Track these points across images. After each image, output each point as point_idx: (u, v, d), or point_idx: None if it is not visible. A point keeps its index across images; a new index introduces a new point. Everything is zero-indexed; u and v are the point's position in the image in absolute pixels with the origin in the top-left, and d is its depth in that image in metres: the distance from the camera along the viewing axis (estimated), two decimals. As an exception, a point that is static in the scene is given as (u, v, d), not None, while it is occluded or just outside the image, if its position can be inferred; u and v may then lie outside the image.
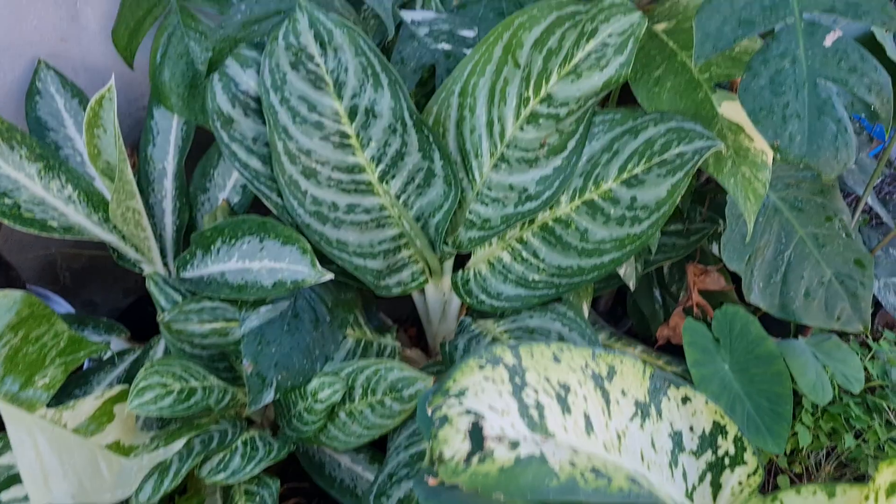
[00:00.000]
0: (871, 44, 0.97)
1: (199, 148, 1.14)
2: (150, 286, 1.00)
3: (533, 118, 0.92)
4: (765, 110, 0.76)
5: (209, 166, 1.13)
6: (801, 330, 1.21)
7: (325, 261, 0.98)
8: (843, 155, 0.76)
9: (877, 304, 1.38)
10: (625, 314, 1.47)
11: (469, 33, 1.04)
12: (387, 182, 1.00)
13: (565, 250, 0.97)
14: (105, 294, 1.43)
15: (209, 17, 1.08)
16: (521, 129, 0.94)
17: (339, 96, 0.95)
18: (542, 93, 0.91)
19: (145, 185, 1.13)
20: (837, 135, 0.76)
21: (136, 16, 1.08)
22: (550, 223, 0.98)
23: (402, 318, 1.47)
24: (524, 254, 1.01)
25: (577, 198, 0.96)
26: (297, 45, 0.92)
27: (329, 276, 0.91)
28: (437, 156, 0.98)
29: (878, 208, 1.31)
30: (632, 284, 1.12)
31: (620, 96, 1.11)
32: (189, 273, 1.03)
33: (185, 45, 1.07)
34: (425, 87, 1.08)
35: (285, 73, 0.93)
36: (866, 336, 1.19)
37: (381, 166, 0.98)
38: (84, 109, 1.10)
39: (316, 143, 0.96)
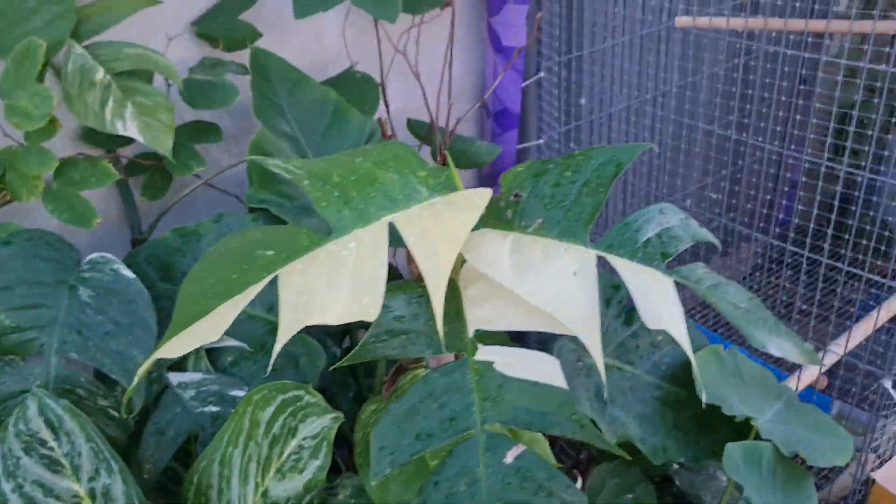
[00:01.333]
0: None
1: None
2: None
3: (255, 513, 0.86)
4: (433, 547, 0.67)
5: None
6: None
7: None
8: None
9: None
10: None
11: (240, 393, 1.01)
12: (144, 560, 0.93)
13: None
14: None
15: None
16: (249, 521, 0.87)
17: (78, 479, 0.90)
18: (265, 484, 0.85)
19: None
20: (521, 572, 0.66)
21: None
22: None
23: None
24: None
25: None
26: (27, 430, 0.90)
27: None
28: (183, 538, 0.92)
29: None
30: None
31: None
32: None
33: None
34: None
35: (18, 458, 0.90)
36: None
37: (134, 546, 0.92)
38: None
39: (54, 529, 0.90)
